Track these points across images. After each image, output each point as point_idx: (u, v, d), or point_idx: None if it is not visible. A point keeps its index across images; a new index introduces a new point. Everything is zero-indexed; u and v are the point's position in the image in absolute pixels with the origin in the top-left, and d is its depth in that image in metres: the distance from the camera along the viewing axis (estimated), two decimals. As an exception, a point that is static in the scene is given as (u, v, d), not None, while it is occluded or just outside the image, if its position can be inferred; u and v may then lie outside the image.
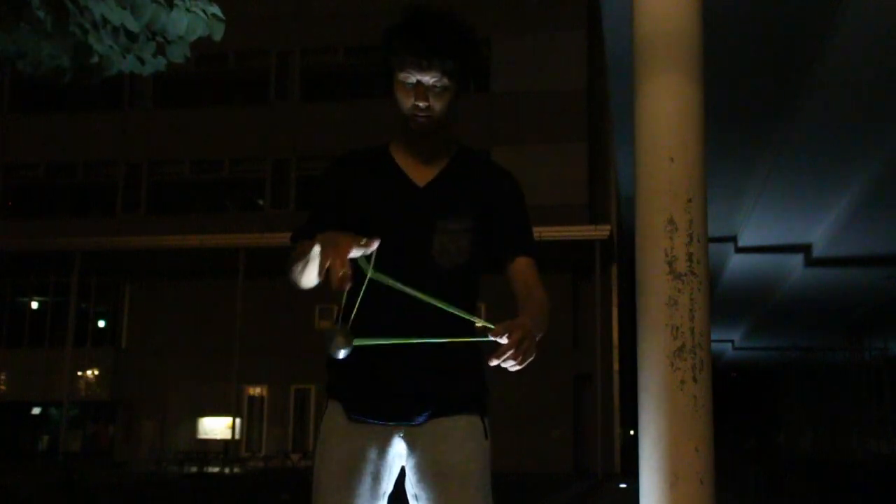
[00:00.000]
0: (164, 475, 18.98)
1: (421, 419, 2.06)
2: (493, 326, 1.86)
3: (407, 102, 2.05)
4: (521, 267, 2.12)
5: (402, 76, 2.04)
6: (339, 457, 2.07)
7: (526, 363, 1.85)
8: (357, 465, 2.06)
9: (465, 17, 2.12)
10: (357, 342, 1.87)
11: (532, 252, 2.14)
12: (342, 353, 1.86)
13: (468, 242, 2.09)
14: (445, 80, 2.03)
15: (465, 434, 2.08)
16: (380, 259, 1.94)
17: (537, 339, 1.93)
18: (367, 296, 1.96)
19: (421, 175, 2.14)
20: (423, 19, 2.06)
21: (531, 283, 2.10)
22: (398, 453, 2.10)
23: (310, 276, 1.99)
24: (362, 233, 1.95)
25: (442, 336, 1.99)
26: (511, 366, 1.84)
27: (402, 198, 2.12)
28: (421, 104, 2.03)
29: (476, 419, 2.11)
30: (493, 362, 1.85)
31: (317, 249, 1.86)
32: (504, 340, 1.83)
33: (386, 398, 2.05)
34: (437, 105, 2.05)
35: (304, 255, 1.95)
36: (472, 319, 1.96)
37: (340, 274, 1.77)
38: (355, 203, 2.12)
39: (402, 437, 2.08)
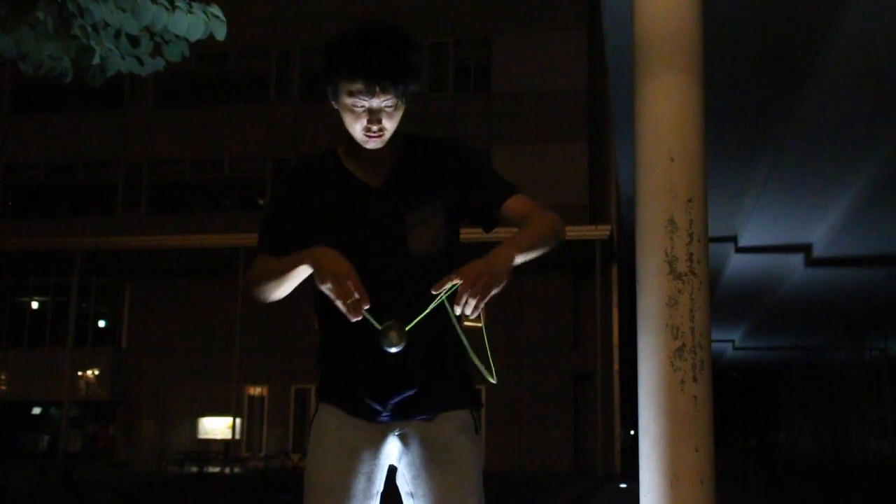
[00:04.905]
0: (164, 475, 18.98)
1: (415, 418, 2.08)
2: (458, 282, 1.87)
3: (356, 126, 2.00)
4: (511, 205, 2.10)
5: (349, 101, 1.97)
6: (332, 457, 2.07)
7: (491, 292, 1.86)
8: (351, 465, 2.06)
9: (400, 25, 2.02)
10: (409, 328, 1.90)
11: (513, 192, 2.12)
12: (395, 349, 1.90)
13: (442, 226, 2.09)
14: (397, 101, 1.98)
15: (457, 429, 2.09)
16: (356, 267, 1.97)
17: (534, 250, 1.98)
18: (344, 330, 2.02)
19: (374, 176, 2.11)
20: (367, 42, 1.95)
21: (526, 210, 2.09)
22: (389, 453, 2.10)
23: (283, 291, 2.05)
24: (331, 245, 1.99)
25: (435, 328, 2.02)
26: (472, 305, 1.85)
27: (362, 203, 2.09)
28: (374, 128, 1.99)
29: (467, 414, 2.12)
30: (457, 310, 1.86)
31: (304, 268, 1.91)
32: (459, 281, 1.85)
33: (380, 399, 2.06)
34: (389, 124, 2.01)
35: (282, 271, 1.97)
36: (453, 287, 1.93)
37: (361, 312, 1.85)
38: (314, 216, 2.10)
39: (396, 436, 2.09)
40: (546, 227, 2.06)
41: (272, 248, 2.10)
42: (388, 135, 2.02)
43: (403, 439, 2.09)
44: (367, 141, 2.02)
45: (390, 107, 1.98)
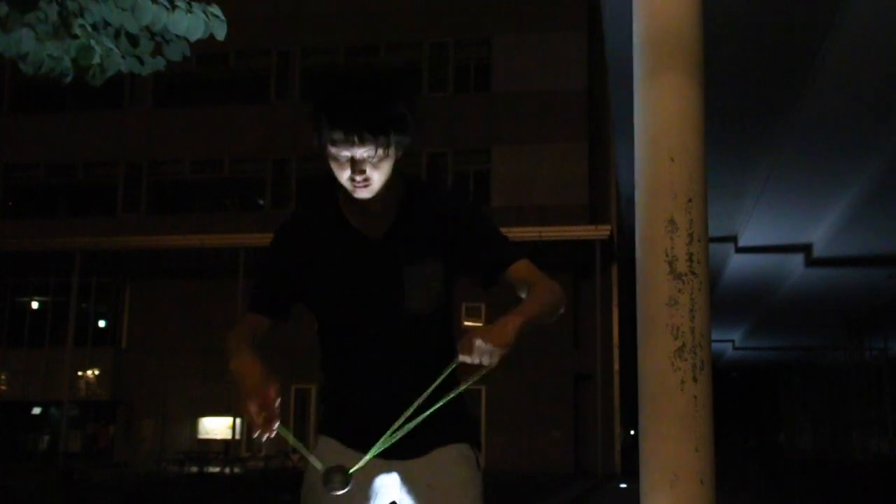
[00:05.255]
0: (164, 475, 18.97)
1: (412, 454, 2.07)
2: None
3: (343, 175, 1.96)
4: (514, 272, 2.08)
5: (333, 151, 1.93)
6: None
7: (495, 354, 1.88)
8: (348, 496, 2.04)
9: (394, 71, 1.99)
10: (353, 472, 1.89)
11: (518, 256, 2.09)
12: (340, 492, 1.88)
13: (440, 283, 2.07)
14: (381, 152, 1.93)
15: (457, 461, 2.08)
16: (353, 321, 1.99)
17: (525, 322, 1.96)
18: (342, 374, 2.06)
19: (374, 227, 2.07)
20: (348, 91, 1.92)
21: (529, 279, 2.07)
22: (389, 486, 2.10)
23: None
24: (327, 300, 2.03)
25: (422, 378, 1.99)
26: (478, 362, 1.86)
27: (361, 256, 2.06)
28: (359, 178, 1.94)
29: (466, 448, 2.11)
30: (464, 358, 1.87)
31: (234, 376, 1.87)
32: (464, 357, 1.86)
33: (379, 433, 2.03)
34: (376, 174, 1.95)
35: (228, 355, 1.96)
36: (451, 367, 1.93)
37: (272, 429, 1.82)
38: (313, 271, 2.08)
39: (395, 470, 2.08)
40: (551, 298, 2.05)
41: (260, 307, 2.11)
42: (376, 185, 1.98)
43: (403, 472, 2.08)
44: (355, 191, 1.98)
45: (373, 158, 1.93)
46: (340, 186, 2.04)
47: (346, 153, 1.92)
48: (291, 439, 1.94)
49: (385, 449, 2.03)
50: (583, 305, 22.55)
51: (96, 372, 24.80)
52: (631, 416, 23.46)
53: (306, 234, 2.12)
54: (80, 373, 24.55)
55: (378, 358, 2.04)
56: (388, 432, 1.92)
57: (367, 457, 1.91)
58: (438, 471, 2.06)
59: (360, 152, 1.92)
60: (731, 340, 32.14)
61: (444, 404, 2.03)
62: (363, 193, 1.99)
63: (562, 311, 2.10)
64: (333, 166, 1.97)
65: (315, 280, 2.08)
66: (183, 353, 23.85)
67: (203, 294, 24.02)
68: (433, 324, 2.06)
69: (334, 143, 1.93)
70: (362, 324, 2.03)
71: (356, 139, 1.90)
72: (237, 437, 23.37)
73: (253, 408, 1.80)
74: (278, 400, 1.83)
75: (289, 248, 2.12)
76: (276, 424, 1.83)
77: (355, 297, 2.04)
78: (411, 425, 1.92)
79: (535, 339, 22.11)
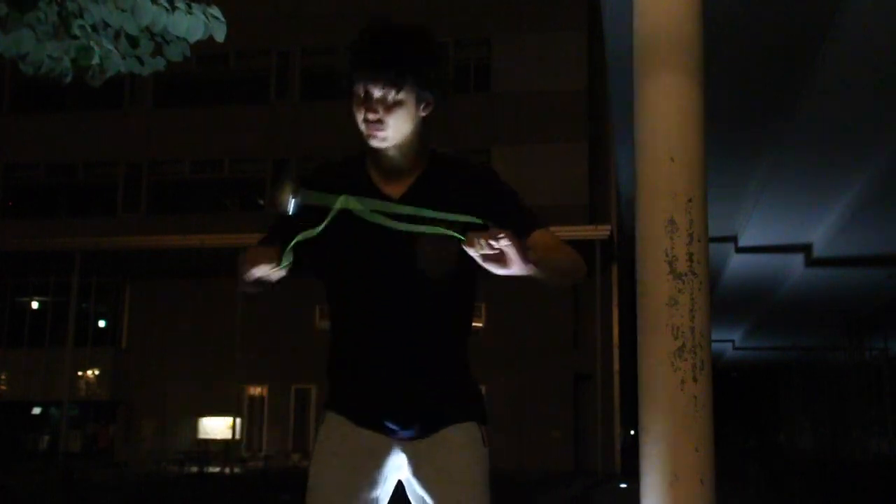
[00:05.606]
0: (164, 475, 18.97)
1: (420, 432, 2.08)
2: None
3: (359, 117, 2.03)
4: (535, 238, 2.06)
5: (354, 88, 2.02)
6: (336, 466, 2.08)
7: (510, 249, 1.78)
8: (355, 475, 2.07)
9: (426, 30, 2.07)
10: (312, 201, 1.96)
11: (539, 225, 2.10)
12: (291, 204, 1.94)
13: (455, 248, 2.05)
14: (395, 93, 1.99)
15: (463, 442, 2.09)
16: (366, 278, 2.00)
17: (538, 269, 1.86)
18: (351, 342, 2.08)
19: (395, 187, 2.10)
20: (376, 33, 2.03)
21: (550, 244, 2.06)
22: (396, 465, 2.11)
23: (244, 284, 2.04)
24: (339, 256, 2.06)
25: (432, 352, 2.04)
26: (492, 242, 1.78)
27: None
28: (371, 116, 2.00)
29: (473, 427, 2.12)
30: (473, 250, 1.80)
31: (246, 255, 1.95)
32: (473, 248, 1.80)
33: (388, 411, 2.07)
34: (390, 119, 2.00)
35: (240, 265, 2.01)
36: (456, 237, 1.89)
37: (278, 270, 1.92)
38: (330, 223, 2.08)
39: (402, 450, 2.10)
40: (566, 255, 2.05)
41: (265, 240, 2.14)
42: (389, 132, 2.01)
43: (410, 452, 2.09)
44: (369, 136, 2.03)
45: (389, 100, 1.99)
46: (369, 150, 2.09)
47: (362, 90, 2.00)
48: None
49: (393, 428, 2.07)
50: (583, 305, 22.55)
51: (96, 372, 24.78)
52: (631, 416, 23.45)
53: (328, 186, 2.12)
54: (80, 373, 24.54)
55: (390, 324, 2.04)
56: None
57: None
58: (445, 452, 2.07)
59: (375, 91, 1.99)
60: (731, 340, 32.15)
61: (452, 381, 2.08)
62: (376, 141, 2.03)
63: (579, 276, 2.09)
64: (354, 109, 2.04)
65: (328, 232, 2.08)
66: (183, 353, 23.83)
67: (203, 294, 24.01)
68: (449, 292, 2.06)
69: (357, 80, 2.01)
70: (374, 285, 2.04)
71: (371, 74, 1.98)
72: (237, 436, 23.36)
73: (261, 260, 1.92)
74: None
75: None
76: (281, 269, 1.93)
77: (367, 255, 2.06)
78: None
79: (535, 339, 21.99)
